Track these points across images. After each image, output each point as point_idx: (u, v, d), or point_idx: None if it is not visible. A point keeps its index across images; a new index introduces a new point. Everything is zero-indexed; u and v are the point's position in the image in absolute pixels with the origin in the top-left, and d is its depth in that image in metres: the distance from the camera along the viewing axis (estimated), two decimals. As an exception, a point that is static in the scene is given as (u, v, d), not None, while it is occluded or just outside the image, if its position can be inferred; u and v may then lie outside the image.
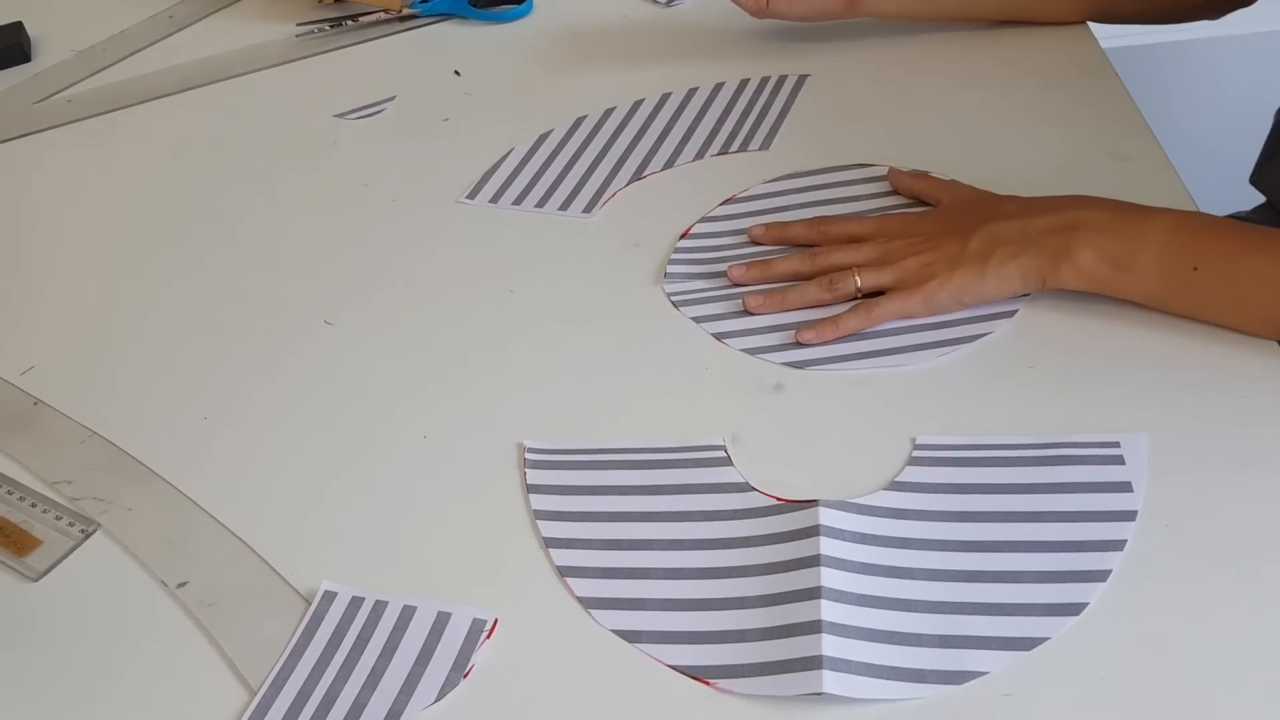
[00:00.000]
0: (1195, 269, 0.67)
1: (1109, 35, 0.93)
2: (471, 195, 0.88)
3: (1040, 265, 0.69)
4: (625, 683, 0.57)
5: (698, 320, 0.75)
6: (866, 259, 0.74)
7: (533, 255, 0.82)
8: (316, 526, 0.66)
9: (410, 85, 1.01)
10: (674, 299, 0.76)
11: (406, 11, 1.09)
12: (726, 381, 0.71)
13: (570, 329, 0.76)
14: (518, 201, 0.87)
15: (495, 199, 0.87)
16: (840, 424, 0.67)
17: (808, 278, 0.75)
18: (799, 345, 0.72)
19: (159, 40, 1.12)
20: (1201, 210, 0.76)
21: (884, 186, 0.83)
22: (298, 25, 1.10)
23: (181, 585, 0.63)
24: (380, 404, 0.73)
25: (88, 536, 0.67)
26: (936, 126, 0.88)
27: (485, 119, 0.96)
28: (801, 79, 0.95)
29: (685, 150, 0.90)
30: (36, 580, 0.65)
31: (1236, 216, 0.90)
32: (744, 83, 0.95)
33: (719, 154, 0.89)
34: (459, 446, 0.69)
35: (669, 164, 0.89)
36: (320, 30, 1.09)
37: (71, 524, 0.67)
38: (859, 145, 0.87)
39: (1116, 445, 0.63)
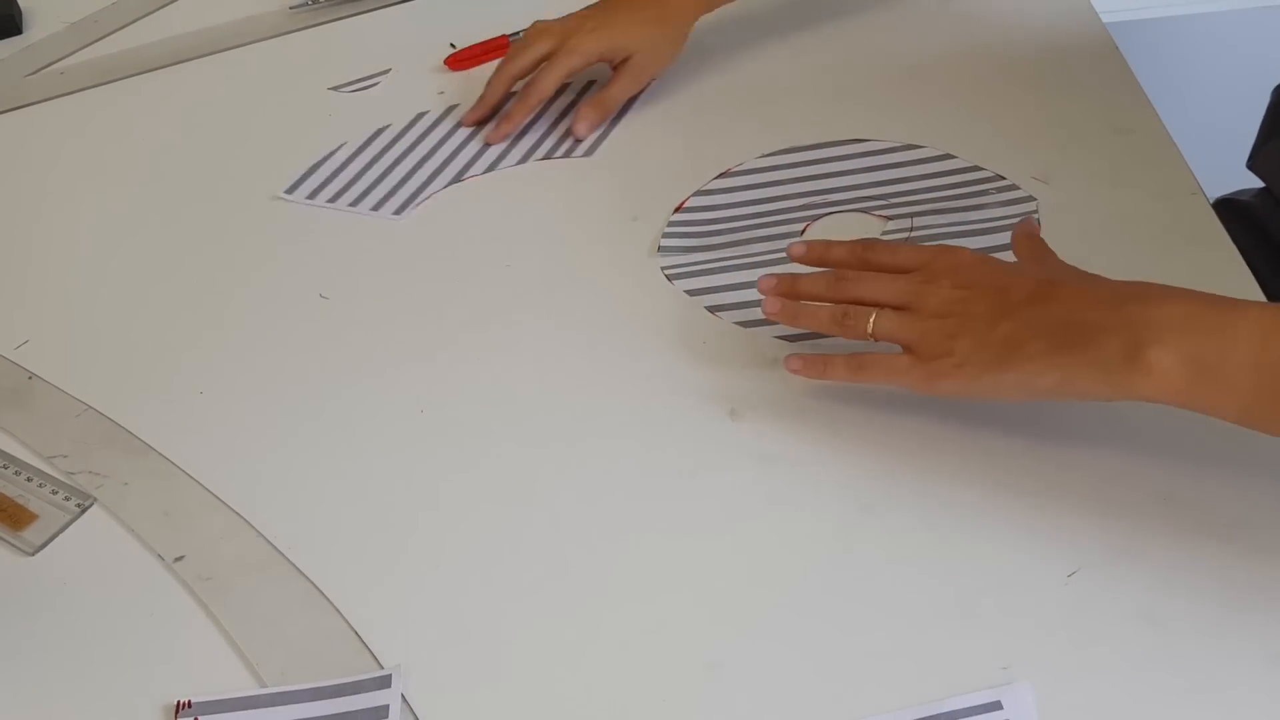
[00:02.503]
0: None
1: (1110, 9, 0.93)
2: (290, 189, 0.87)
3: (1098, 372, 0.56)
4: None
5: (692, 294, 0.74)
6: (892, 298, 0.63)
7: (527, 226, 0.82)
8: (313, 499, 0.66)
9: (406, 58, 1.00)
10: (668, 272, 0.76)
11: (402, -16, 1.08)
12: (724, 356, 0.70)
13: (566, 303, 0.76)
14: (333, 200, 0.86)
15: (313, 195, 0.86)
16: (837, 399, 0.67)
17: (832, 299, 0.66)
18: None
19: (152, 12, 1.11)
20: (1203, 188, 0.76)
21: (879, 160, 0.82)
22: (292, -3, 1.09)
23: (178, 559, 0.63)
24: (376, 376, 0.72)
25: (84, 510, 0.66)
26: (935, 100, 0.87)
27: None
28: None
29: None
30: (33, 554, 0.65)
31: (1238, 197, 0.90)
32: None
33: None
34: (457, 420, 0.69)
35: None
36: (315, 2, 1.08)
37: (67, 498, 0.67)
38: (857, 119, 0.86)
39: (999, 706, 0.53)
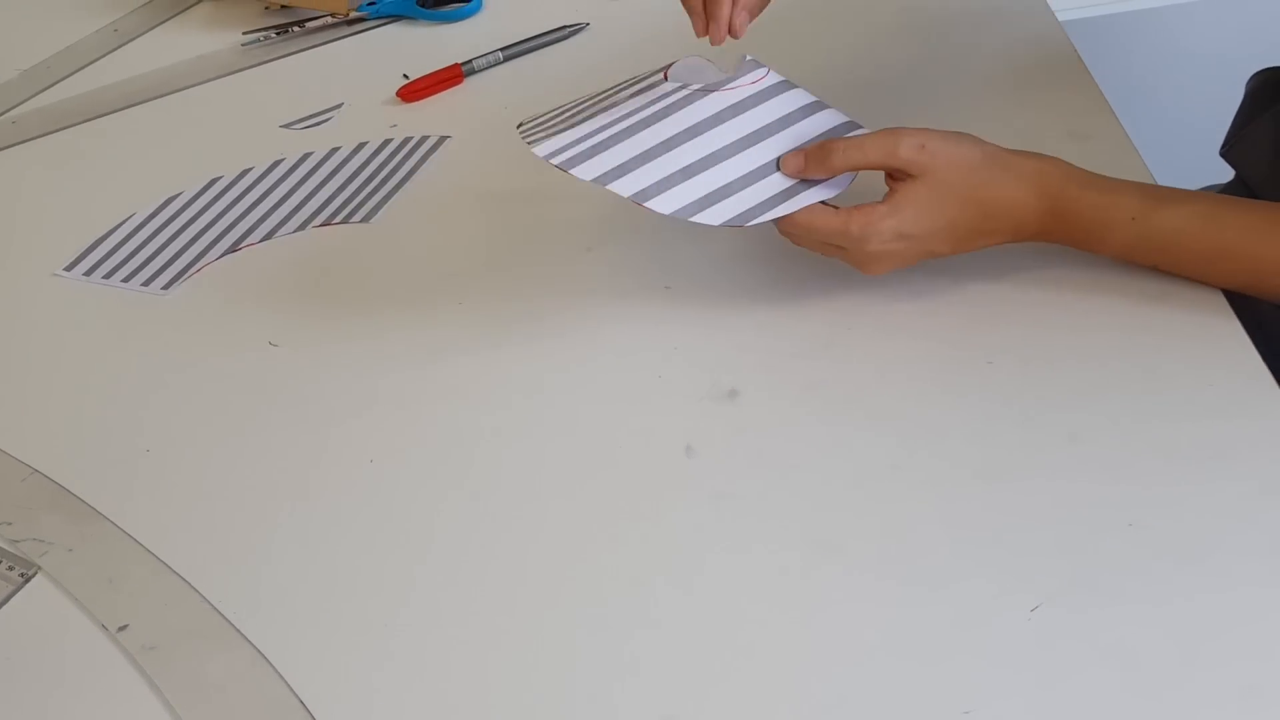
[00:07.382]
0: (1155, 267, 0.69)
1: (1065, 6, 0.91)
2: (69, 267, 0.85)
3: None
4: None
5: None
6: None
7: (487, 261, 0.80)
8: (260, 563, 0.64)
9: (358, 91, 0.99)
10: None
11: (354, 15, 1.07)
12: (679, 392, 0.69)
13: (516, 337, 0.74)
14: (109, 276, 0.83)
15: (90, 272, 0.84)
16: (795, 435, 0.65)
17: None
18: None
19: (104, 55, 1.10)
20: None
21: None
22: (243, 34, 1.07)
23: (122, 629, 0.62)
24: (324, 433, 0.71)
25: (27, 580, 0.65)
26: (890, 106, 0.85)
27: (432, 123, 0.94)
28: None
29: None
30: (-25, 629, 0.63)
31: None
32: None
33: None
34: (405, 473, 0.67)
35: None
36: (266, 38, 1.07)
37: (11, 568, 0.66)
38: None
39: None
